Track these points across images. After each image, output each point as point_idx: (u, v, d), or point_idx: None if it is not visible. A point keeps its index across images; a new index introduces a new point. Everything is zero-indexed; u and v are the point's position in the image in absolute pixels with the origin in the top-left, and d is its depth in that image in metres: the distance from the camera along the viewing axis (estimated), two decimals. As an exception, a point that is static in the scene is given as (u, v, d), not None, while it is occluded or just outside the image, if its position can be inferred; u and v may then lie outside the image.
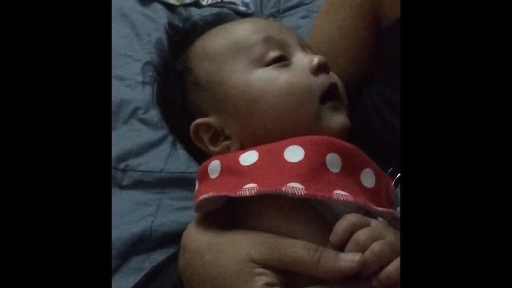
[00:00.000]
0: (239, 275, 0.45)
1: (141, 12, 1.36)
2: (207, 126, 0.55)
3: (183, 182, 0.88)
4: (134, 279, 0.74)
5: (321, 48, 0.63)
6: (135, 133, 0.99)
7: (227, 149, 0.54)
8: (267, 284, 0.44)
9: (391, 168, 0.51)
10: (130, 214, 0.87)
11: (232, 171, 0.49)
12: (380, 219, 0.48)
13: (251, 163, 0.48)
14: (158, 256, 0.80)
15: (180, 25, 0.62)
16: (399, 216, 0.48)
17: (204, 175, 0.51)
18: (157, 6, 1.38)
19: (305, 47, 0.58)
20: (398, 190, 0.51)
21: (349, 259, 0.44)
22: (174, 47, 0.60)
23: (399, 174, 0.50)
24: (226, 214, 0.51)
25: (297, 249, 0.45)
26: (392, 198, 0.50)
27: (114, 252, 0.82)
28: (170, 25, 0.62)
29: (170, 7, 1.40)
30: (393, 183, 0.51)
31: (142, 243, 0.83)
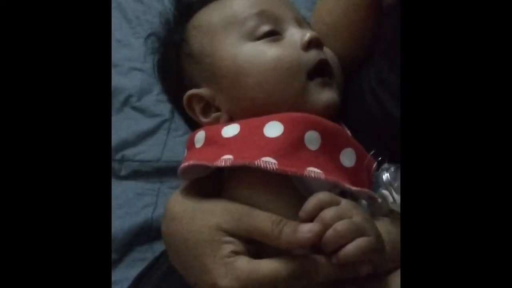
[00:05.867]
0: (208, 242, 0.46)
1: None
2: (199, 97, 0.56)
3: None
4: (137, 269, 0.74)
5: (323, 25, 0.64)
6: (129, 122, 0.97)
7: (216, 121, 0.55)
8: (233, 251, 0.46)
9: (373, 151, 0.52)
10: (130, 205, 0.87)
11: (214, 142, 0.51)
12: (363, 201, 0.50)
13: (232, 135, 0.50)
14: (160, 246, 0.79)
15: None
16: (376, 196, 0.50)
17: (191, 144, 0.53)
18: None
19: (302, 23, 0.58)
20: (381, 172, 0.51)
21: (306, 230, 0.44)
22: (177, 19, 0.61)
23: (381, 157, 0.51)
24: (212, 184, 0.52)
25: (262, 220, 0.46)
26: (372, 178, 0.51)
27: (116, 244, 0.81)
28: None
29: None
30: (375, 164, 0.52)
31: (144, 234, 0.84)
